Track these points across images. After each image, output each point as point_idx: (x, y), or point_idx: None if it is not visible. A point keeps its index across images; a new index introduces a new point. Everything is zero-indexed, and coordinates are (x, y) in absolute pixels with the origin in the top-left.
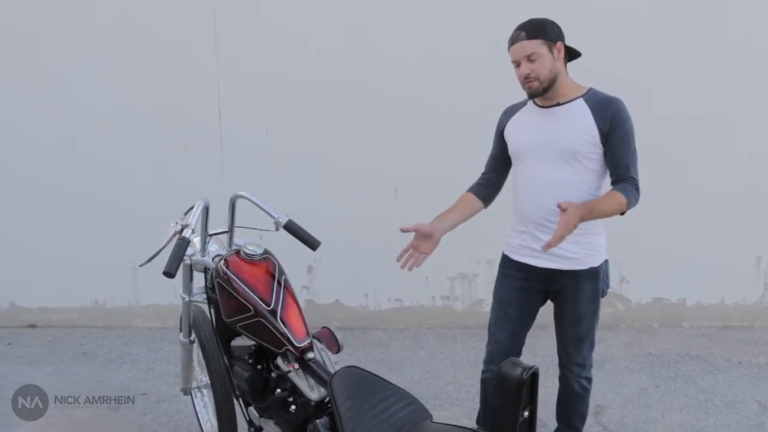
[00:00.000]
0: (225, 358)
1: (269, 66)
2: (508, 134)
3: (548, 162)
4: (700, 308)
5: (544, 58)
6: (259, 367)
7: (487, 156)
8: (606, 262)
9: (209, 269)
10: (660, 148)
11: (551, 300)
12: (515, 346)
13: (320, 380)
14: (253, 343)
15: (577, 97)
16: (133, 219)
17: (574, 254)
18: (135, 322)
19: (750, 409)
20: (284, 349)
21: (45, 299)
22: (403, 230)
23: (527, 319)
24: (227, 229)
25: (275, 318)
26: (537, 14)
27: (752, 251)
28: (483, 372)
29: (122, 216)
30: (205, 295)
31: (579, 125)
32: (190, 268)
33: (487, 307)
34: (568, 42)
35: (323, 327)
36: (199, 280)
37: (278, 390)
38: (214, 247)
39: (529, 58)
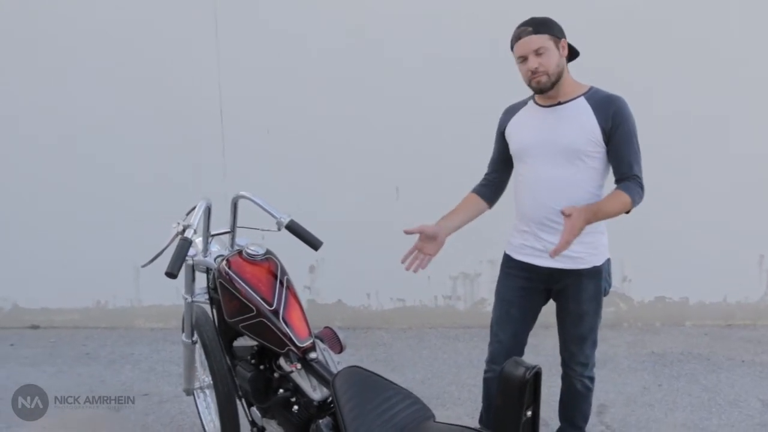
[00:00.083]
0: (227, 358)
1: (270, 66)
2: (510, 134)
3: (550, 161)
4: (703, 307)
5: (552, 52)
6: (261, 367)
7: (487, 155)
8: (608, 261)
9: (211, 269)
10: (661, 147)
11: (553, 299)
12: (517, 345)
13: (323, 380)
14: (255, 343)
15: (579, 96)
16: (135, 219)
17: (576, 253)
18: (137, 322)
19: (753, 407)
20: (287, 349)
21: (47, 300)
22: (407, 232)
23: (529, 318)
24: (229, 230)
25: (277, 318)
26: (537, 14)
27: (755, 250)
28: (485, 371)
29: (124, 216)
30: (207, 296)
31: (581, 124)
32: (192, 269)
33: (490, 306)
34: (568, 42)
35: (325, 327)
36: (201, 280)
37: (281, 390)
38: (216, 248)
39: (537, 52)
